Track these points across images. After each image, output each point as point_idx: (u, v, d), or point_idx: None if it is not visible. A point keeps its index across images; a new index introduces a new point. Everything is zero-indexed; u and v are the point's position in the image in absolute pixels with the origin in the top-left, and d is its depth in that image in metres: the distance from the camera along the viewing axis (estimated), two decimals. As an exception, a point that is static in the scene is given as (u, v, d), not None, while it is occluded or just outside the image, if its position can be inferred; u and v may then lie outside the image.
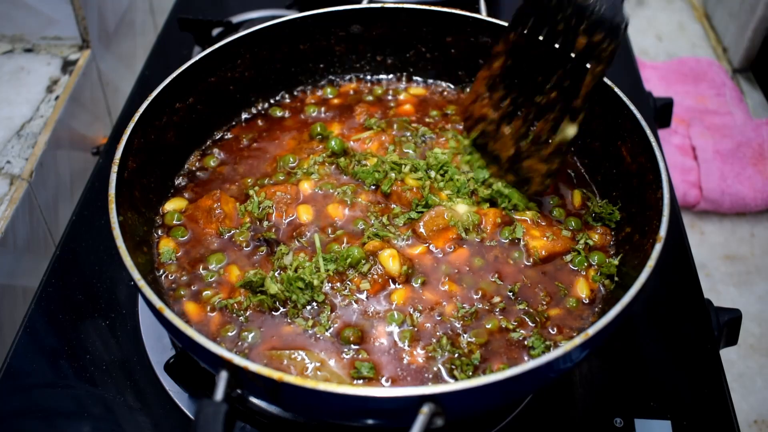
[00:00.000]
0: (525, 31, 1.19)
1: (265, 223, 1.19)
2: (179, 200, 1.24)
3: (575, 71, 1.14)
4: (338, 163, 1.28)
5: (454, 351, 1.02)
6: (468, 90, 1.28)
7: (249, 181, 1.27)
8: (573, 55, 1.13)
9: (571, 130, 1.15)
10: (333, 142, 1.29)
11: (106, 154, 1.54)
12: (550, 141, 1.17)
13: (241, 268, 1.13)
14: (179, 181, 1.28)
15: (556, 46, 1.16)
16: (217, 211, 1.18)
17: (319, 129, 1.34)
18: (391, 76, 1.49)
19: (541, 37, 1.17)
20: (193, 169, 1.31)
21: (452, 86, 1.48)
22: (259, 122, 1.40)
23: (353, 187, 1.24)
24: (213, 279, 1.12)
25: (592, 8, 1.11)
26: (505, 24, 1.32)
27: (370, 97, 1.45)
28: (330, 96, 1.45)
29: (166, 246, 1.16)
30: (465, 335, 1.04)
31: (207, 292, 1.10)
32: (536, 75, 1.19)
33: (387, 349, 1.03)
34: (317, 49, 1.43)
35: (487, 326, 1.06)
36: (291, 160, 1.30)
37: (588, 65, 1.12)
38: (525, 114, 1.20)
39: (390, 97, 1.46)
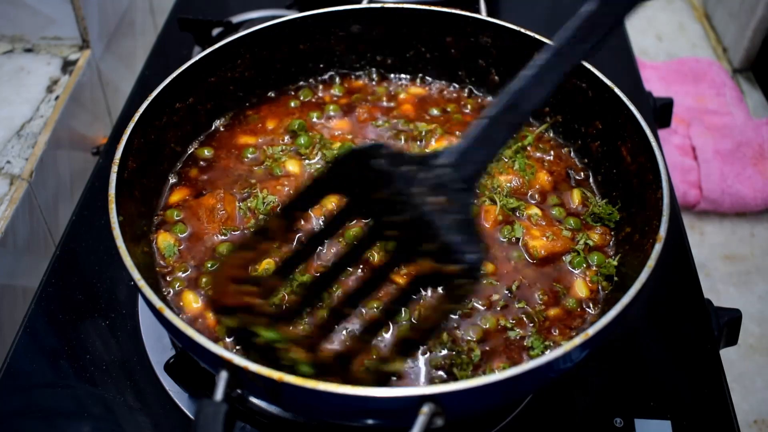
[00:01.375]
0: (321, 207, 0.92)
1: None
2: (183, 191, 1.25)
3: (410, 299, 0.83)
4: (299, 148, 1.29)
5: (454, 348, 1.02)
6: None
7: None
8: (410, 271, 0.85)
9: (395, 366, 0.82)
10: (297, 122, 1.33)
11: (106, 154, 1.54)
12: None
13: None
14: (175, 178, 1.28)
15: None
16: (220, 212, 1.18)
17: (297, 125, 1.34)
18: (391, 75, 1.49)
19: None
20: (191, 164, 1.31)
21: (454, 85, 1.47)
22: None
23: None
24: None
25: (440, 223, 0.78)
26: (506, 24, 1.32)
27: (370, 97, 1.45)
28: (339, 94, 1.45)
29: (165, 241, 1.16)
30: (462, 331, 1.04)
31: (204, 279, 1.11)
32: (342, 270, 0.85)
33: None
34: (317, 49, 1.43)
35: (485, 325, 1.06)
36: (251, 151, 1.31)
37: (436, 296, 0.85)
38: (326, 322, 0.84)
39: (390, 96, 1.46)
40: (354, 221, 0.85)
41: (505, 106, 0.82)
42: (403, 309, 0.87)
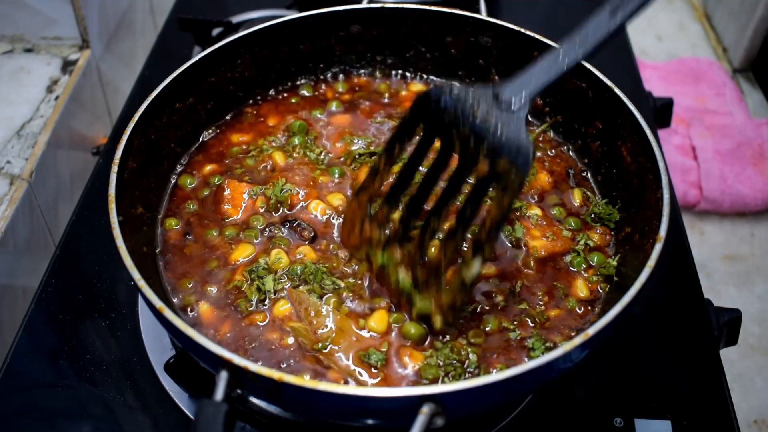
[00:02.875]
0: (412, 145, 1.07)
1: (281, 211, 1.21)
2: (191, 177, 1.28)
3: (477, 198, 1.00)
4: (293, 143, 1.31)
5: (452, 357, 1.01)
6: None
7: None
8: (473, 179, 1.01)
9: (475, 267, 0.99)
10: (297, 124, 1.33)
11: (106, 154, 1.54)
12: (447, 273, 1.02)
13: (253, 248, 1.15)
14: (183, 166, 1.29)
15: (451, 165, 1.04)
16: (225, 206, 1.21)
17: (297, 126, 1.34)
18: (393, 73, 1.49)
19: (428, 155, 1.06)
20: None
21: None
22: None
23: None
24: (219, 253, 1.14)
25: (492, 131, 0.98)
26: (506, 24, 1.32)
27: (373, 95, 1.45)
28: (341, 90, 1.46)
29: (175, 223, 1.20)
30: (464, 337, 1.04)
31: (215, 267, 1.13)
32: (428, 194, 1.06)
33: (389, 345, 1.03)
34: (317, 49, 1.43)
35: (487, 328, 1.05)
36: (235, 150, 1.32)
37: (492, 195, 0.99)
38: (419, 240, 1.04)
39: (392, 93, 1.46)
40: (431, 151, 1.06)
41: (545, 60, 1.02)
42: (471, 212, 1.01)
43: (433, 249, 1.05)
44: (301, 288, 1.08)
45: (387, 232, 1.07)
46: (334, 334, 1.02)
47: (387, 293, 1.07)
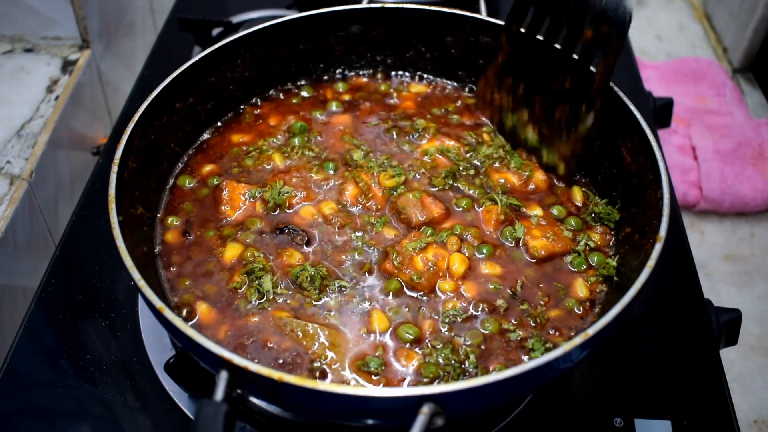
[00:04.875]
0: (527, 22, 1.24)
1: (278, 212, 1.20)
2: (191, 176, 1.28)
3: (585, 61, 1.19)
4: (293, 143, 1.31)
5: (451, 358, 1.02)
6: (476, 87, 1.39)
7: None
8: (582, 44, 1.18)
9: (589, 120, 1.19)
10: (298, 125, 1.34)
11: (106, 154, 1.54)
12: (568, 127, 1.22)
13: (245, 248, 1.14)
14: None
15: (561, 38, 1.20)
16: (224, 207, 1.20)
17: (298, 128, 1.34)
18: (392, 73, 1.49)
19: (542, 29, 1.22)
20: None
21: (454, 84, 1.47)
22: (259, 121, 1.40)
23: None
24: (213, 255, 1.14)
25: (594, 3, 1.14)
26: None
27: (373, 96, 1.45)
28: (341, 90, 1.46)
29: (175, 221, 1.20)
30: (461, 337, 1.04)
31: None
32: (545, 64, 1.24)
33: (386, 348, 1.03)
34: (317, 49, 1.44)
35: (485, 330, 1.05)
36: (235, 151, 1.31)
37: (599, 56, 1.16)
38: (541, 100, 1.25)
39: (392, 94, 1.46)
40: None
41: None
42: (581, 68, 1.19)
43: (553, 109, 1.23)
44: (283, 311, 1.07)
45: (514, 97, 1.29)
46: (327, 351, 1.02)
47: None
